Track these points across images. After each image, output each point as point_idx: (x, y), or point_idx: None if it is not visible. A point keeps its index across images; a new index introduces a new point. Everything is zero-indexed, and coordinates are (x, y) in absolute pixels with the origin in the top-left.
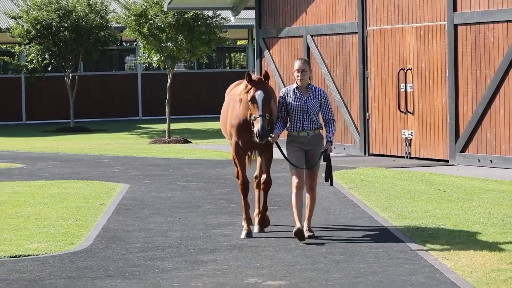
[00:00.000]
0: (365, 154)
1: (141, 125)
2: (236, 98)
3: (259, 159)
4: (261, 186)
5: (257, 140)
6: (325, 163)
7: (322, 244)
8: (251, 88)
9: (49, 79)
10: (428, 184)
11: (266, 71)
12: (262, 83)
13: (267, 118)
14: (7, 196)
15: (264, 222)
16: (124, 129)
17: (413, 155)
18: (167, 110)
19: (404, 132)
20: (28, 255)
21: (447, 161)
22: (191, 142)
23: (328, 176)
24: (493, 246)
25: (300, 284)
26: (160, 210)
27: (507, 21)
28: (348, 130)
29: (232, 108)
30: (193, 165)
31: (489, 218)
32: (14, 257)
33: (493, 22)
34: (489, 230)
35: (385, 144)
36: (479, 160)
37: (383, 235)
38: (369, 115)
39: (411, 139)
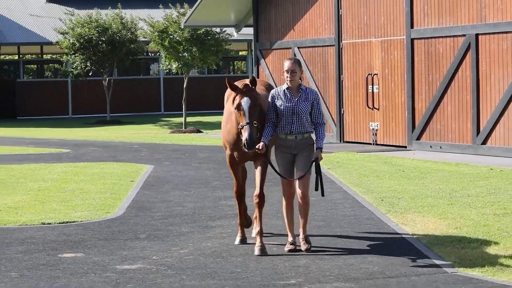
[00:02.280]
0: (340, 141)
1: (163, 119)
2: (231, 108)
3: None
4: (254, 202)
5: (246, 150)
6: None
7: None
8: (236, 95)
9: (90, 82)
10: (390, 165)
11: (253, 76)
12: (249, 89)
13: (255, 125)
14: (56, 175)
15: (263, 247)
16: (149, 121)
17: (378, 142)
18: (183, 106)
19: (371, 124)
20: (74, 222)
21: (405, 147)
22: (202, 132)
23: (319, 186)
24: (442, 215)
25: None
26: (178, 186)
27: (453, 36)
28: (327, 122)
29: (226, 120)
30: (204, 150)
31: (439, 192)
32: (62, 223)
33: (442, 37)
34: (439, 202)
35: (356, 134)
36: (431, 146)
37: (354, 206)
38: (343, 111)
39: (377, 130)
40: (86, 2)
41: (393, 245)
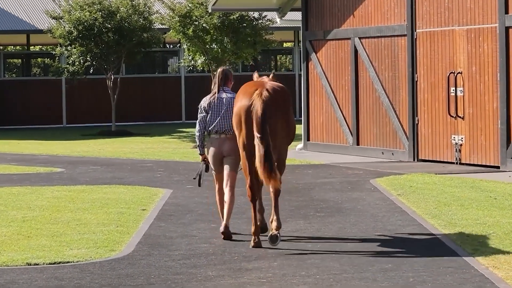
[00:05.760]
0: (414, 159)
1: (184, 129)
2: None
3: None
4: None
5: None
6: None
7: (370, 252)
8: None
9: (91, 82)
10: (479, 191)
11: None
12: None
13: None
14: (46, 201)
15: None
16: (167, 132)
17: (463, 161)
18: None
19: (454, 137)
20: (68, 262)
21: (498, 167)
22: None
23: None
24: None
25: None
26: (203, 216)
27: None
28: (396, 135)
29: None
30: None
31: None
32: (54, 264)
33: None
34: None
35: (434, 150)
36: None
37: (432, 243)
38: (418, 120)
39: (461, 145)
40: None
41: None
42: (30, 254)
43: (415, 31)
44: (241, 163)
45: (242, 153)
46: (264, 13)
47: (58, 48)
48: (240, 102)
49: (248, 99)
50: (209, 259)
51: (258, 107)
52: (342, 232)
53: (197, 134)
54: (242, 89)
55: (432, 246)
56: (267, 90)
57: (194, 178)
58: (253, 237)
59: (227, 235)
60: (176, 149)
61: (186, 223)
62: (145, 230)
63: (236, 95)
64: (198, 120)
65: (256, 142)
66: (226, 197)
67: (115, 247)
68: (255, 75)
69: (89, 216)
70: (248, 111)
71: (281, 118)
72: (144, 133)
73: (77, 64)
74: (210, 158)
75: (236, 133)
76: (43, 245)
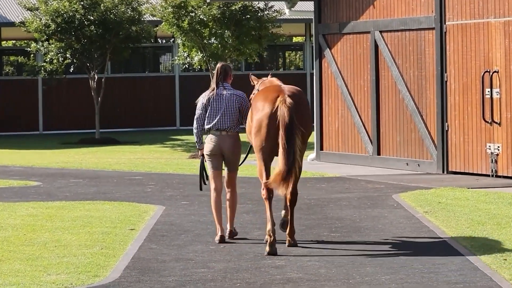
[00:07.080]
0: (443, 171)
1: (179, 137)
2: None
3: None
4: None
5: None
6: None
7: (392, 278)
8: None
9: (71, 82)
10: None
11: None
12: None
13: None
14: (20, 220)
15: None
16: (159, 141)
17: (500, 173)
18: None
19: (489, 146)
20: None
21: None
22: None
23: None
24: None
25: None
26: (200, 237)
27: None
28: (423, 143)
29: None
30: (239, 183)
31: None
32: None
33: None
34: None
35: (466, 160)
36: None
37: (464, 267)
38: (448, 126)
39: (497, 154)
40: None
41: None
42: (1, 280)
43: (445, 23)
44: (257, 169)
45: (259, 155)
46: (271, 3)
47: (34, 44)
48: (263, 110)
49: (271, 106)
50: (208, 286)
51: (285, 114)
52: (360, 255)
53: (195, 131)
54: (260, 96)
55: (463, 271)
56: (289, 96)
57: (204, 184)
58: (267, 235)
59: (233, 235)
60: (169, 159)
61: (180, 244)
62: (134, 252)
63: (253, 101)
64: (196, 117)
65: (281, 149)
66: (228, 198)
67: (100, 272)
68: (252, 77)
69: (69, 236)
70: (272, 117)
71: (305, 124)
72: (133, 141)
73: (56, 62)
74: (208, 155)
75: (252, 137)
76: (17, 269)
